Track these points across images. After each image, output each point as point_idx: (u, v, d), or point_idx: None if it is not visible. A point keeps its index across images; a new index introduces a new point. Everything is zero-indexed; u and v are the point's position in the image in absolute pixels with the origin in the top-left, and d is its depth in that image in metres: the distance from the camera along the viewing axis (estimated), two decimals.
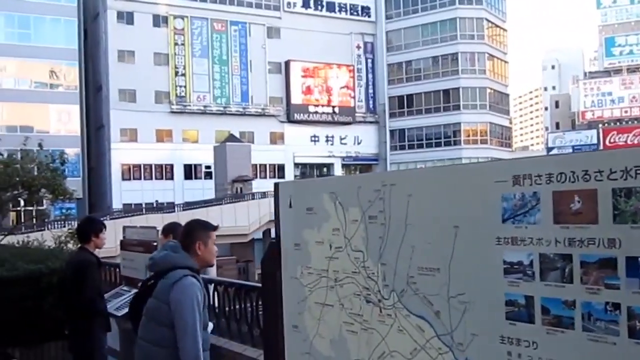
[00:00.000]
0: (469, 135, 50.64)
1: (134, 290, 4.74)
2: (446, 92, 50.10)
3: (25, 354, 4.24)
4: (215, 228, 2.87)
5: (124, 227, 5.57)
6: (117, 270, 5.94)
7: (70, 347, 4.55)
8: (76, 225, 4.33)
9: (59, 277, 4.95)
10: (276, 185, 2.30)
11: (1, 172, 10.76)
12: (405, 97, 50.98)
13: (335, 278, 1.94)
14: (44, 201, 14.19)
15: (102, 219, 21.00)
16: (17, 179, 11.04)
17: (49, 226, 25.94)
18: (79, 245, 4.46)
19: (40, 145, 13.19)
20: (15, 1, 40.03)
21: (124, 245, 5.33)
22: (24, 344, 4.55)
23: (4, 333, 3.80)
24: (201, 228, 2.84)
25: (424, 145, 50.28)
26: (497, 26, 53.35)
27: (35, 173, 11.61)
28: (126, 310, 4.51)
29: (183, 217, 35.26)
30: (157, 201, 42.77)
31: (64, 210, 36.57)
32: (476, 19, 50.43)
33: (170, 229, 4.11)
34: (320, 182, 1.97)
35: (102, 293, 4.56)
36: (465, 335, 1.58)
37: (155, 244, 4.64)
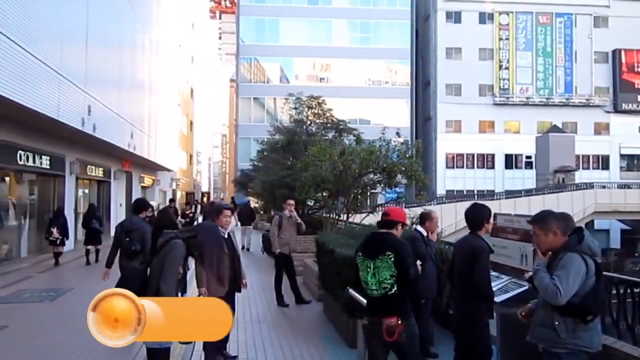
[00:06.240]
0: None
1: (506, 277, 6.01)
2: None
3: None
4: None
5: (495, 214, 6.15)
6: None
7: (456, 328, 5.70)
8: (464, 212, 5.53)
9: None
10: None
11: (366, 158, 13.69)
12: None
13: None
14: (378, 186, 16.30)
15: (428, 203, 34.91)
16: (379, 165, 13.87)
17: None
18: (469, 231, 5.48)
19: (397, 134, 16.45)
20: (357, 10, 56.67)
21: (495, 231, 6.27)
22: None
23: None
24: None
25: None
26: None
27: (394, 160, 14.33)
28: (503, 296, 5.62)
29: (505, 205, 47.28)
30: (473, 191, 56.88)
31: (394, 195, 53.59)
32: None
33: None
34: None
35: (490, 280, 5.43)
36: None
37: (532, 233, 4.92)
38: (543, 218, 4.16)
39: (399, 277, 4.77)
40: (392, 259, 4.80)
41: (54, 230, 16.36)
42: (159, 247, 4.42)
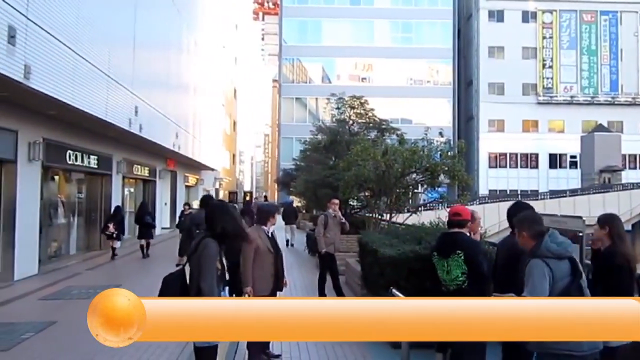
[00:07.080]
0: None
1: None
2: None
3: None
4: None
5: (539, 215, 5.40)
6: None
7: None
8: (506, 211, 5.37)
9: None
10: None
11: (409, 158, 13.52)
12: None
13: None
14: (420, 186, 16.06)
15: (470, 203, 33.97)
16: (421, 164, 13.75)
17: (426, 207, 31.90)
18: (511, 231, 5.24)
19: (440, 134, 16.34)
20: (399, 10, 56.54)
21: None
22: None
23: None
24: None
25: None
26: None
27: (438, 160, 14.20)
28: None
29: (550, 205, 46.66)
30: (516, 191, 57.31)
31: (436, 196, 53.22)
32: None
33: (607, 220, 4.79)
34: None
35: None
36: None
37: (580, 234, 5.24)
38: (521, 220, 4.33)
39: (470, 274, 5.16)
40: (462, 258, 5.21)
41: (110, 226, 17.32)
42: (195, 247, 4.45)
